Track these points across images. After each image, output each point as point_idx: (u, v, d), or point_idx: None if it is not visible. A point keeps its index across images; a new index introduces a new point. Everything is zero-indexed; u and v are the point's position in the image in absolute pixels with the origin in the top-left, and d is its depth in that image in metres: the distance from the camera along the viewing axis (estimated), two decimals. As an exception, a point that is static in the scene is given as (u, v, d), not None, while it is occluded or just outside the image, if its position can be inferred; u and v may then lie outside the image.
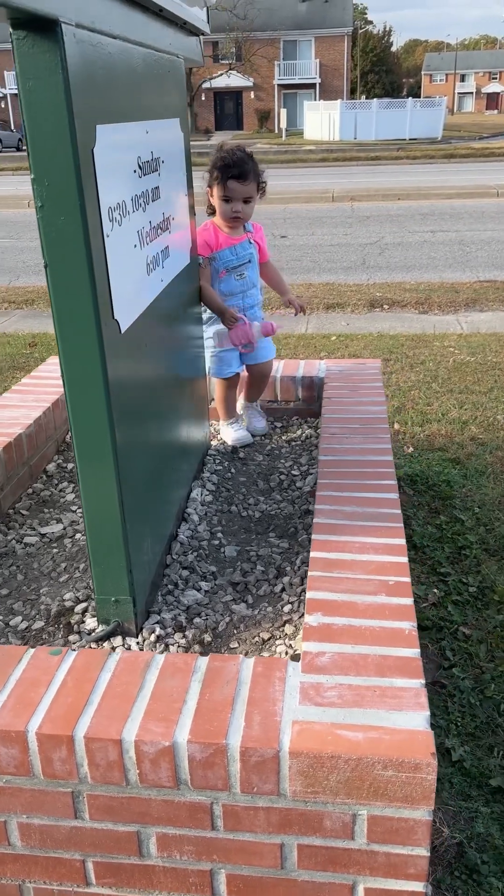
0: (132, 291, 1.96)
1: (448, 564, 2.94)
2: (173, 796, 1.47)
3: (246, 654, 1.95)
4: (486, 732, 2.17)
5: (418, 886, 1.47)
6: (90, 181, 1.64)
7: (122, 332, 1.87)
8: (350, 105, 36.01)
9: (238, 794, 1.44)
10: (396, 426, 4.27)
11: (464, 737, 2.15)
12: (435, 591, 2.78)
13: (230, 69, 43.38)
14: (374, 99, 39.36)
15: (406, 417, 4.38)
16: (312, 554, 1.99)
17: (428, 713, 1.45)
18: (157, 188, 2.22)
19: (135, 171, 2.00)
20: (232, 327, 2.89)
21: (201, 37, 2.87)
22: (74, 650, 1.68)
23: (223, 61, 43.80)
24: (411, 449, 3.97)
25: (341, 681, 1.54)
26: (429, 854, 1.44)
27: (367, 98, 44.30)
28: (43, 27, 1.46)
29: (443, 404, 4.58)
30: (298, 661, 1.61)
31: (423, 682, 1.53)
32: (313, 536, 2.07)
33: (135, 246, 2.00)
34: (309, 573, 1.91)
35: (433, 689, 2.34)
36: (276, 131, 40.10)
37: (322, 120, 36.38)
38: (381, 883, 1.48)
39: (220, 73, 43.50)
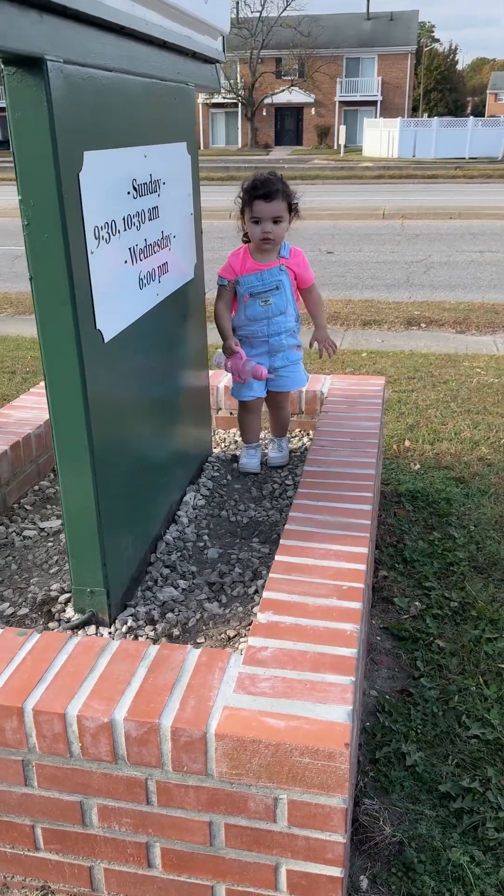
0: (120, 304, 2.11)
1: (434, 579, 3.00)
2: (112, 770, 1.59)
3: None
4: (444, 741, 2.23)
5: (335, 871, 1.56)
6: (74, 202, 1.79)
7: (107, 340, 2.02)
8: (410, 123, 35.98)
9: (170, 771, 1.56)
10: (407, 443, 4.33)
11: (421, 744, 2.22)
12: (417, 603, 2.85)
13: (292, 85, 43.80)
14: (435, 117, 39.25)
15: (418, 435, 4.44)
16: (277, 557, 2.10)
17: (350, 707, 1.54)
18: (155, 208, 2.37)
19: (128, 193, 2.15)
20: (228, 357, 2.93)
21: (218, 65, 3.02)
22: (39, 633, 1.82)
23: (285, 77, 44.25)
24: (418, 466, 4.03)
25: (277, 673, 1.64)
26: (345, 840, 1.53)
27: (429, 116, 44.16)
28: (29, 64, 1.62)
29: (457, 424, 4.63)
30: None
31: (353, 679, 1.62)
32: (281, 541, 2.18)
33: (125, 262, 2.15)
34: (270, 575, 2.02)
35: (400, 696, 2.41)
36: (335, 147, 40.27)
37: (381, 137, 36.45)
38: (302, 866, 1.58)
39: (281, 89, 43.94)
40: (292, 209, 2.86)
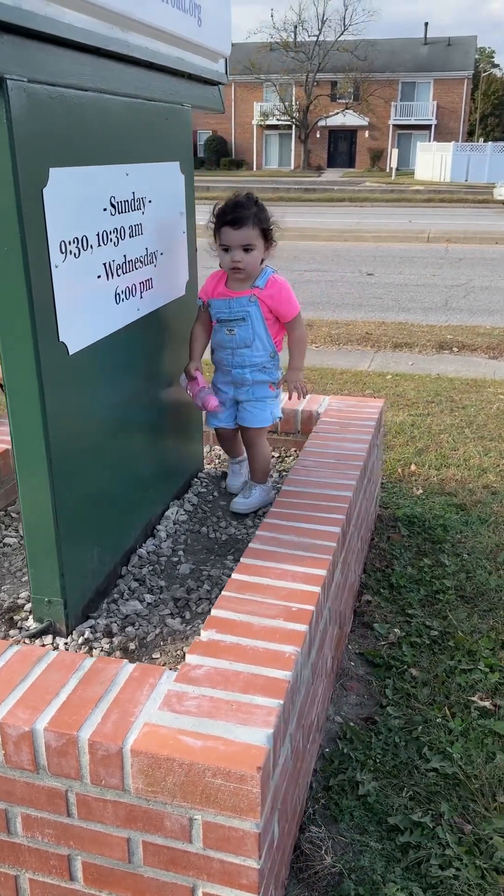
0: (90, 317, 2.14)
1: (418, 606, 2.95)
2: (34, 780, 1.59)
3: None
4: (401, 772, 2.18)
5: (251, 898, 1.53)
6: (37, 217, 1.83)
7: (72, 353, 2.04)
8: (463, 147, 35.83)
9: (89, 784, 1.55)
10: (413, 467, 4.28)
11: (378, 773, 2.18)
12: (396, 630, 2.80)
13: (346, 108, 44.03)
14: (490, 142, 39.02)
15: (425, 460, 4.39)
16: (233, 576, 2.09)
17: (271, 731, 1.52)
18: (138, 225, 2.40)
19: (105, 210, 2.19)
20: (188, 381, 2.82)
21: (220, 86, 3.05)
22: (-17, 638, 1.84)
23: (340, 100, 44.51)
24: (420, 491, 3.98)
25: (206, 692, 1.63)
26: (259, 866, 1.51)
27: (485, 141, 43.91)
28: (-11, 82, 1.66)
29: (468, 450, 4.56)
30: (177, 671, 1.71)
31: (281, 702, 1.60)
32: (241, 559, 2.17)
33: (98, 276, 2.18)
34: (222, 593, 2.01)
35: (364, 724, 2.37)
36: (387, 170, 40.31)
37: (434, 161, 36.36)
38: (218, 889, 1.55)
39: (336, 112, 44.21)
40: (268, 236, 2.66)
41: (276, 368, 2.85)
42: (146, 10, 2.13)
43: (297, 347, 2.82)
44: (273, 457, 3.47)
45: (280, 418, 2.99)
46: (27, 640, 2.14)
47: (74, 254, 2.02)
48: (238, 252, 2.62)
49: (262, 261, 2.72)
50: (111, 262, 2.24)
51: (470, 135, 47.15)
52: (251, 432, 2.91)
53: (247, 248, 2.62)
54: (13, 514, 2.95)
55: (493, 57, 74.29)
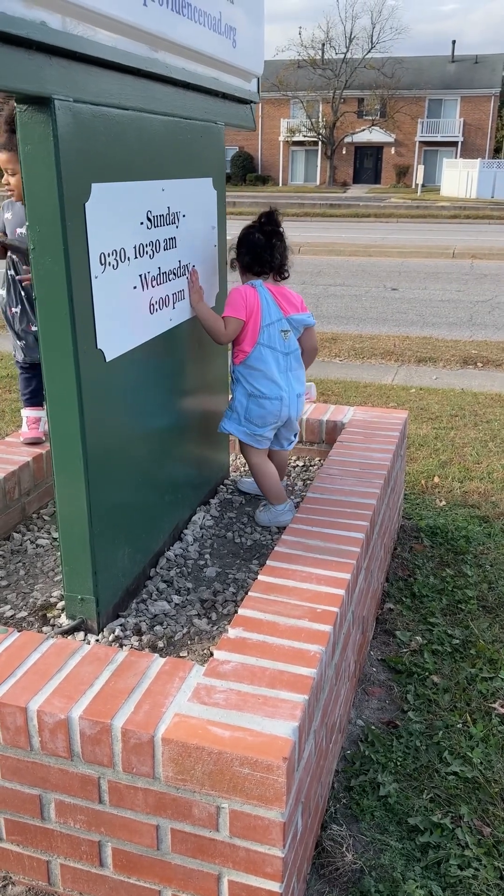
0: (126, 326, 2.22)
1: (440, 615, 2.99)
2: (68, 766, 1.66)
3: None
4: (422, 775, 2.22)
5: (275, 886, 1.58)
6: (79, 230, 1.92)
7: (108, 360, 2.13)
8: (490, 164, 35.81)
9: (121, 772, 1.62)
10: (436, 479, 4.32)
11: (399, 776, 2.22)
12: (418, 638, 2.84)
13: (373, 125, 44.25)
14: (516, 159, 38.99)
15: (449, 472, 4.42)
16: (259, 577, 2.15)
17: (296, 724, 1.58)
18: (172, 239, 2.49)
19: (142, 223, 2.28)
20: None
21: (252, 104, 3.15)
22: (18, 631, 1.91)
23: (366, 117, 44.75)
24: (443, 502, 4.02)
25: (234, 686, 1.69)
26: (283, 855, 1.56)
27: (512, 158, 43.88)
28: (38, 102, 1.76)
29: (492, 463, 4.59)
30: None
31: (306, 697, 1.66)
32: (267, 562, 2.23)
33: (134, 287, 2.26)
34: (249, 594, 2.07)
35: (386, 728, 2.41)
36: (413, 187, 40.39)
37: (460, 177, 36.36)
38: (243, 877, 1.61)
39: (362, 128, 44.43)
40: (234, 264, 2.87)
41: (236, 382, 2.88)
42: (185, 33, 2.23)
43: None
44: (297, 466, 3.54)
45: (227, 431, 2.95)
46: (60, 637, 2.21)
47: (113, 265, 2.11)
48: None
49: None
50: (146, 274, 2.33)
51: (497, 151, 47.12)
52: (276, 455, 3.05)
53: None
54: (45, 517, 3.04)
55: (520, 74, 74.16)
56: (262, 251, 2.79)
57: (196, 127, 2.63)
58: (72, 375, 1.97)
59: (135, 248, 2.24)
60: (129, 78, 2.09)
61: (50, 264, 1.89)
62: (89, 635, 2.23)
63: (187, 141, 2.58)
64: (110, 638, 2.22)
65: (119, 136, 2.09)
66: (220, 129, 2.86)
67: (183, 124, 2.52)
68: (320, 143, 45.29)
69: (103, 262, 2.05)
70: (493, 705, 2.49)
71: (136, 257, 2.25)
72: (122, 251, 2.16)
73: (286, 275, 2.89)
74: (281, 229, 2.83)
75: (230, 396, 2.93)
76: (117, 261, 2.13)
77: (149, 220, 2.31)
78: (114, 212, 2.09)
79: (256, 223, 2.82)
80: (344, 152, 46.14)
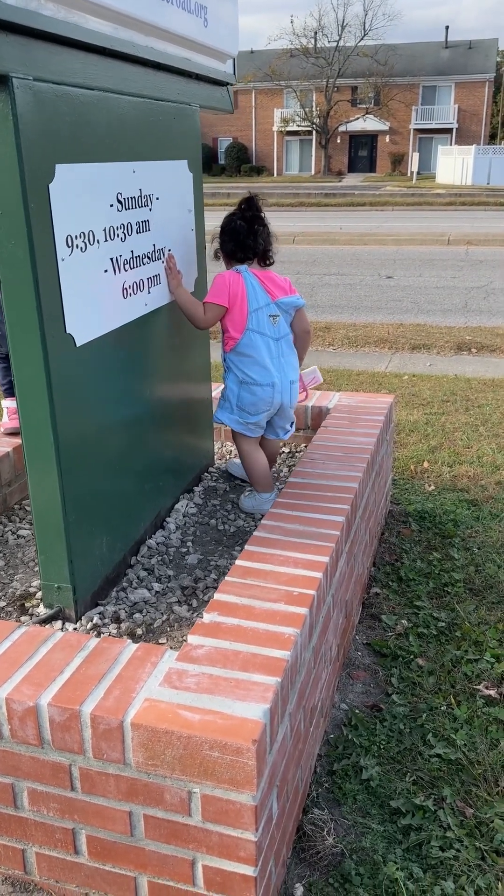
0: (97, 311, 2.19)
1: (426, 598, 2.96)
2: (39, 754, 1.64)
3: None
4: (405, 758, 2.20)
5: (249, 870, 1.57)
6: (43, 212, 1.89)
7: (79, 345, 2.10)
8: (485, 150, 35.62)
9: (91, 758, 1.60)
10: (426, 464, 4.29)
11: (382, 759, 2.20)
12: (404, 621, 2.82)
13: (367, 113, 44.03)
14: (512, 144, 38.80)
15: (438, 457, 4.40)
16: (237, 562, 2.12)
17: (268, 706, 1.55)
18: (145, 221, 2.46)
19: (111, 205, 2.24)
20: None
21: (229, 86, 3.11)
22: (-7, 621, 1.89)
23: (360, 105, 44.52)
24: (432, 487, 3.99)
25: (206, 670, 1.67)
26: (256, 839, 1.54)
27: (507, 144, 43.69)
28: (-5, 81, 1.72)
29: (482, 447, 4.56)
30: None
31: (278, 679, 1.64)
32: (246, 547, 2.21)
33: (105, 271, 2.23)
34: (225, 578, 2.05)
35: (369, 711, 2.40)
36: (408, 175, 40.23)
37: (455, 164, 36.20)
38: (217, 862, 1.59)
39: (356, 117, 44.21)
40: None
41: (227, 371, 2.85)
42: (151, 10, 2.19)
43: None
44: (283, 452, 3.51)
45: (220, 422, 2.93)
46: (36, 626, 2.19)
47: (81, 248, 2.08)
48: None
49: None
50: (118, 257, 2.30)
51: (492, 138, 46.93)
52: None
53: None
54: (27, 508, 3.02)
55: (515, 59, 73.79)
56: (244, 237, 2.76)
57: (169, 108, 2.59)
58: (40, 361, 1.95)
59: (104, 230, 2.20)
60: (93, 57, 2.06)
61: (13, 247, 1.86)
62: (67, 624, 2.21)
63: (160, 122, 2.54)
64: (88, 626, 2.20)
65: (85, 117, 2.06)
66: (194, 110, 2.82)
67: (154, 106, 2.48)
68: (314, 132, 45.09)
69: (70, 244, 2.02)
70: (477, 687, 2.47)
71: (106, 240, 2.21)
72: (91, 233, 2.13)
73: (271, 261, 2.86)
74: (262, 214, 2.79)
75: (223, 386, 2.90)
76: (85, 243, 2.10)
77: (119, 202, 2.28)
78: (80, 193, 2.06)
79: (237, 210, 2.79)
80: (338, 141, 45.92)
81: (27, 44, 1.76)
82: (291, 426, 3.00)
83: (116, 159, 2.25)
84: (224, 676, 1.65)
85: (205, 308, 2.74)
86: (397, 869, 1.84)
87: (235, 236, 2.77)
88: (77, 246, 2.05)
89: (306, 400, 3.29)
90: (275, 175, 46.29)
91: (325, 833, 1.95)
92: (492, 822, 1.98)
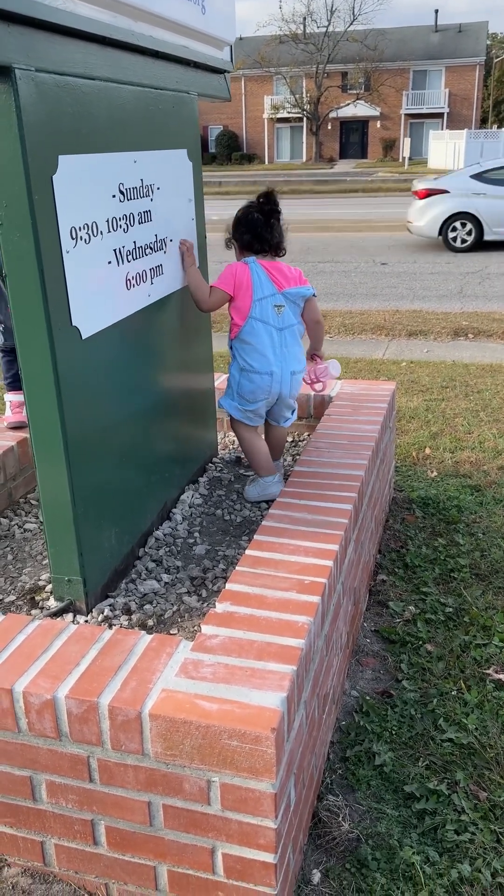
0: (101, 302, 2.18)
1: (433, 584, 2.97)
2: (57, 746, 1.65)
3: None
4: (417, 743, 2.22)
5: (268, 857, 1.58)
6: (47, 204, 1.88)
7: (85, 337, 2.09)
8: (476, 134, 35.46)
9: (110, 750, 1.60)
10: (428, 451, 4.30)
11: (394, 744, 2.21)
12: (411, 608, 2.83)
13: (357, 99, 43.79)
14: (503, 128, 38.65)
15: (440, 443, 4.40)
16: (247, 552, 2.13)
17: (285, 694, 1.56)
18: (146, 212, 2.45)
19: (114, 196, 2.23)
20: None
21: (226, 74, 3.09)
22: (4, 615, 1.89)
23: (351, 91, 44.28)
24: (435, 473, 4.00)
25: (221, 660, 1.68)
26: (276, 826, 1.55)
27: (498, 127, 43.51)
28: (-2, 72, 1.71)
29: (482, 433, 4.56)
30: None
31: (294, 668, 1.64)
32: (255, 536, 2.21)
33: (109, 262, 2.22)
34: (236, 568, 2.05)
35: (380, 698, 2.41)
36: (400, 160, 40.07)
37: (447, 149, 36.03)
38: (237, 850, 1.60)
39: (347, 103, 43.97)
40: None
41: (232, 359, 2.87)
42: (150, -2, 2.17)
43: None
44: (286, 441, 3.51)
45: (222, 408, 2.96)
46: (48, 619, 2.19)
47: (85, 239, 2.07)
48: None
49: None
50: (121, 248, 2.29)
51: (483, 122, 46.72)
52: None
53: None
54: (33, 501, 3.02)
55: (505, 42, 73.41)
56: (261, 230, 2.80)
57: (168, 97, 2.58)
58: (47, 354, 1.94)
59: (107, 221, 2.19)
60: (94, 46, 2.04)
61: (18, 240, 1.85)
62: (78, 616, 2.22)
63: (160, 111, 2.52)
64: (99, 618, 2.21)
65: (87, 107, 2.04)
66: (193, 99, 2.80)
67: (154, 94, 2.46)
68: (305, 119, 44.85)
69: (74, 236, 2.01)
70: (487, 671, 2.48)
71: (109, 231, 2.20)
72: (94, 225, 2.12)
73: (283, 252, 2.90)
74: (279, 209, 2.84)
75: (228, 374, 2.93)
76: (89, 235, 2.09)
77: (121, 192, 2.27)
78: (83, 184, 2.04)
79: (255, 203, 2.83)
80: (329, 128, 45.70)
81: (28, 34, 1.75)
82: (293, 414, 3.02)
83: (118, 149, 2.24)
84: (240, 665, 1.66)
85: (210, 291, 2.79)
86: (413, 853, 1.86)
87: (253, 228, 2.81)
88: (81, 238, 2.04)
89: (324, 390, 3.26)
90: (266, 163, 46.05)
91: (340, 819, 1.96)
92: (505, 804, 2.00)
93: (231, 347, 2.86)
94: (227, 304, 2.81)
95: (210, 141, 47.13)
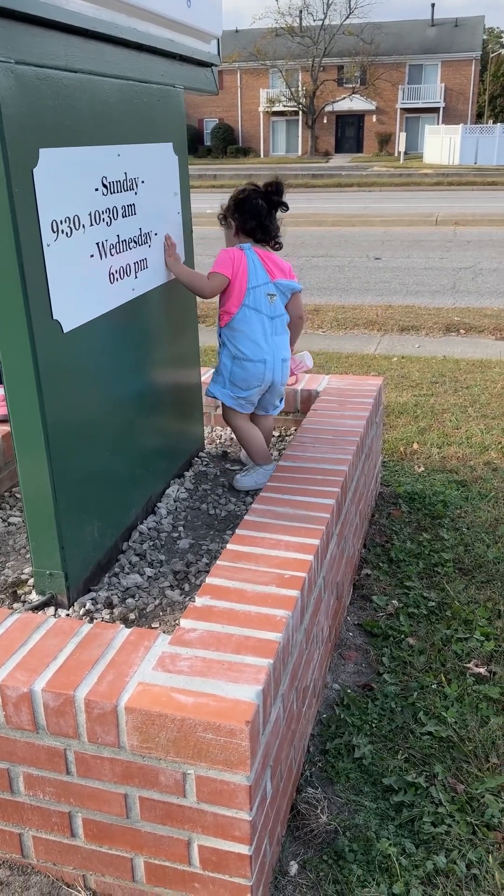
0: (84, 296, 2.18)
1: (416, 579, 2.99)
2: (34, 739, 1.65)
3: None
4: (397, 736, 2.23)
5: (244, 849, 1.59)
6: (27, 197, 1.88)
7: (66, 331, 2.09)
8: (472, 129, 35.49)
9: (86, 742, 1.61)
10: (415, 446, 4.31)
11: (374, 737, 2.22)
12: (395, 602, 2.85)
13: (353, 93, 43.70)
14: (499, 123, 38.64)
15: (428, 438, 4.41)
16: (228, 546, 2.13)
17: (260, 688, 1.57)
18: (131, 205, 2.44)
19: (97, 189, 2.23)
20: None
21: (213, 67, 3.08)
22: (-14, 608, 1.90)
23: (346, 85, 44.17)
24: (422, 468, 4.01)
25: (199, 654, 1.68)
26: (251, 818, 1.56)
27: (494, 122, 43.51)
28: (-23, 65, 1.70)
29: (470, 428, 4.58)
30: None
31: (271, 661, 1.65)
32: (236, 531, 2.21)
33: (91, 256, 2.22)
34: (216, 562, 2.06)
35: (361, 691, 2.42)
36: (395, 155, 40.02)
37: (442, 144, 36.05)
38: (213, 842, 1.61)
39: (343, 97, 43.89)
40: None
41: (222, 346, 2.89)
42: (133, -9, 2.16)
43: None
44: (273, 436, 3.51)
45: (213, 396, 2.96)
46: (29, 612, 2.19)
47: (66, 233, 2.06)
48: None
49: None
50: (104, 242, 2.29)
51: (479, 117, 46.73)
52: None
53: None
54: (18, 495, 3.01)
55: (501, 37, 73.28)
56: (265, 219, 2.82)
57: (153, 90, 2.57)
58: (27, 347, 1.94)
59: (90, 214, 2.19)
60: (75, 39, 2.03)
61: (-2, 233, 1.85)
62: (60, 610, 2.22)
63: (144, 105, 2.52)
64: (81, 612, 2.21)
65: (69, 100, 2.04)
66: (179, 92, 2.79)
67: (139, 87, 2.46)
68: (301, 112, 44.74)
69: (55, 229, 2.01)
70: (467, 665, 2.50)
71: (91, 224, 2.20)
72: (76, 218, 2.11)
73: (279, 246, 2.91)
74: (285, 202, 2.86)
75: (218, 362, 2.94)
76: (71, 228, 2.09)
77: (104, 186, 2.26)
78: (65, 177, 2.04)
79: (262, 189, 2.83)
80: (325, 121, 45.60)
81: (8, 26, 1.74)
82: (281, 402, 3.06)
83: (101, 143, 2.23)
84: (217, 659, 1.66)
85: (210, 276, 2.79)
86: (390, 845, 1.87)
87: (258, 216, 2.81)
88: (62, 231, 2.04)
89: (296, 384, 3.32)
90: (261, 156, 45.95)
91: (318, 811, 1.98)
92: (482, 797, 2.01)
93: (220, 335, 2.88)
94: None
95: (205, 134, 47.00)
